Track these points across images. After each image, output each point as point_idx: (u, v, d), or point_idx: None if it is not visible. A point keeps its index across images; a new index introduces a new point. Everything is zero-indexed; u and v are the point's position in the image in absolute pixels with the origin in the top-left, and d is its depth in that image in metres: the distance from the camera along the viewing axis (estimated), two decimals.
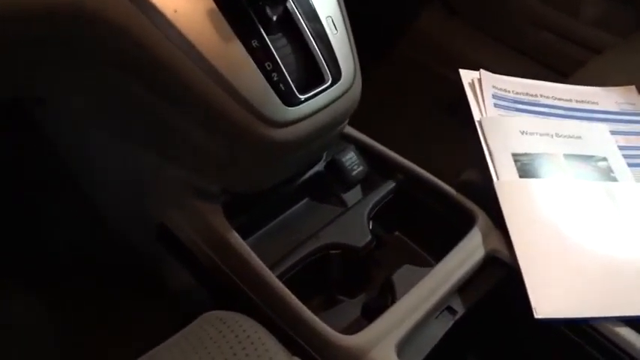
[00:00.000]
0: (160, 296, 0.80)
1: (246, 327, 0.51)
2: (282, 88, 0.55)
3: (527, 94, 0.79)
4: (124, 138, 0.66)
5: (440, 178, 0.71)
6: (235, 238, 0.62)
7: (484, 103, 0.74)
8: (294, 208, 0.71)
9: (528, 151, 0.70)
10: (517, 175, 0.68)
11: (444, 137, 1.13)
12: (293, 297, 0.57)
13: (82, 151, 0.78)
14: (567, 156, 0.71)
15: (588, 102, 0.80)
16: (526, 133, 0.72)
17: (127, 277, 0.86)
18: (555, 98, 0.80)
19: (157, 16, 0.50)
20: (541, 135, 0.73)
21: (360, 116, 0.72)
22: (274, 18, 0.55)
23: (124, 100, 0.59)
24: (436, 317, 0.61)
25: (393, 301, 0.59)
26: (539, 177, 0.69)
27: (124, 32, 0.50)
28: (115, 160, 0.71)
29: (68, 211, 0.93)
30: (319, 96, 0.58)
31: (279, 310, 0.58)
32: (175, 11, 0.50)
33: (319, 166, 0.71)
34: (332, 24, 0.59)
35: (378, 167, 0.73)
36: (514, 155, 0.70)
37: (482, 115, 0.73)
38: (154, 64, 0.52)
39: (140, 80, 0.54)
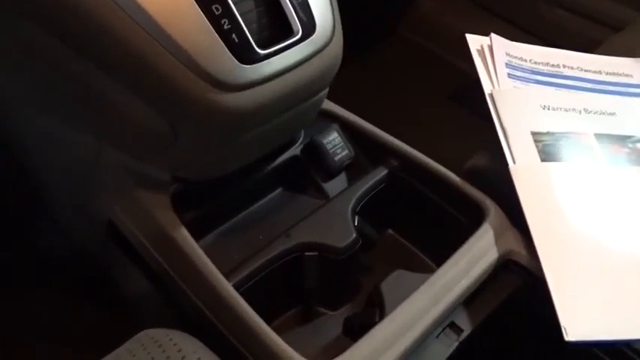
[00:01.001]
0: (117, 303, 0.71)
1: (185, 349, 0.42)
2: (236, 40, 0.43)
3: (547, 63, 0.67)
4: (53, 115, 0.55)
5: (443, 166, 0.59)
6: (184, 236, 0.50)
7: (496, 73, 0.62)
8: (262, 201, 0.60)
9: (552, 130, 0.58)
10: (538, 159, 0.56)
11: (449, 125, 1.04)
12: (250, 311, 0.45)
13: (22, 139, 0.68)
14: (599, 136, 0.60)
15: (621, 74, 0.68)
16: (549, 108, 0.60)
17: (82, 281, 0.78)
18: (581, 69, 0.67)
19: None
20: (566, 110, 0.61)
21: (348, 96, 0.63)
22: None
23: (48, 69, 0.48)
24: (436, 337, 0.50)
25: (382, 316, 0.48)
26: (566, 161, 0.57)
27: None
28: (56, 148, 0.61)
29: (17, 208, 0.84)
30: (286, 52, 0.46)
31: (234, 327, 0.46)
32: None
33: (295, 149, 0.60)
34: None
35: (366, 151, 0.62)
36: (534, 134, 0.58)
37: (494, 87, 0.61)
38: (70, 9, 0.40)
39: (63, 38, 0.43)
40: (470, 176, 0.58)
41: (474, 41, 0.65)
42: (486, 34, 1.21)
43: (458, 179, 0.57)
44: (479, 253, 0.52)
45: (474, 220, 0.55)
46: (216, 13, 0.42)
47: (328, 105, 0.62)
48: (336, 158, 0.59)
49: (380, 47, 1.22)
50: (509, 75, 0.62)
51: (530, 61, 0.66)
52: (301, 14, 0.47)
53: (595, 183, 0.57)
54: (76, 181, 0.62)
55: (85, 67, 0.45)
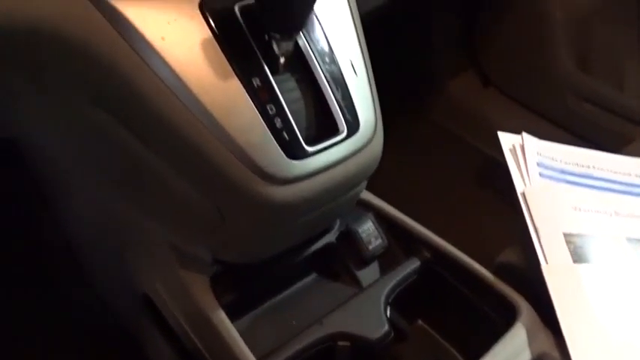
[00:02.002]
0: None
1: None
2: (286, 138, 0.46)
3: (577, 164, 0.69)
4: (103, 185, 0.58)
5: (473, 256, 0.60)
6: (221, 319, 0.51)
7: (528, 172, 0.64)
8: (297, 286, 0.60)
9: (583, 232, 0.59)
10: (570, 260, 0.57)
11: (477, 210, 1.04)
12: None
13: (67, 202, 0.71)
14: (631, 240, 0.60)
15: None
16: (580, 210, 0.61)
17: (112, 345, 0.78)
18: (611, 171, 0.69)
19: (141, 43, 0.42)
20: (598, 212, 0.62)
21: (382, 182, 0.64)
22: (282, 58, 0.46)
23: (100, 141, 0.51)
24: None
25: None
26: (598, 263, 0.57)
27: (102, 59, 0.42)
28: (99, 215, 0.63)
29: (56, 269, 0.86)
30: (331, 149, 0.48)
31: None
32: (163, 39, 0.43)
33: (330, 236, 0.61)
34: (351, 66, 0.51)
35: (400, 241, 0.63)
36: (566, 235, 0.58)
37: (525, 185, 0.63)
38: (133, 98, 0.44)
39: (118, 117, 0.46)
40: (501, 271, 0.59)
41: (506, 139, 0.68)
42: (515, 124, 1.24)
43: (490, 275, 0.58)
44: (512, 353, 0.51)
45: (505, 317, 0.55)
46: (270, 112, 0.45)
47: (364, 194, 0.64)
48: (370, 247, 0.61)
49: (411, 132, 1.25)
50: (541, 174, 0.64)
51: (560, 160, 0.68)
52: (346, 114, 0.50)
53: (628, 286, 0.56)
54: (115, 250, 0.64)
55: (140, 148, 0.48)
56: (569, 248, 0.57)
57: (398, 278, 0.59)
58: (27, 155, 0.69)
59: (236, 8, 0.45)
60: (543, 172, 0.65)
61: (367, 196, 0.64)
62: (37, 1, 0.41)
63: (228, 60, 0.44)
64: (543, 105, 1.23)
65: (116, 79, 0.43)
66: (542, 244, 0.58)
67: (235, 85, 0.44)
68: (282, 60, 0.46)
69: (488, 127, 1.23)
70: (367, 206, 0.64)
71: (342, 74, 0.50)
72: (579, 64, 1.16)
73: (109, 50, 0.42)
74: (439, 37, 1.31)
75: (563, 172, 0.67)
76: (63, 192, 0.70)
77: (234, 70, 0.44)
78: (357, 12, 0.55)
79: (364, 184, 0.58)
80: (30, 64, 0.46)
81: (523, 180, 0.63)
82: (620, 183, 0.68)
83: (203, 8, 0.44)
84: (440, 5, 1.24)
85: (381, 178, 0.64)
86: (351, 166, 0.50)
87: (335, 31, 0.51)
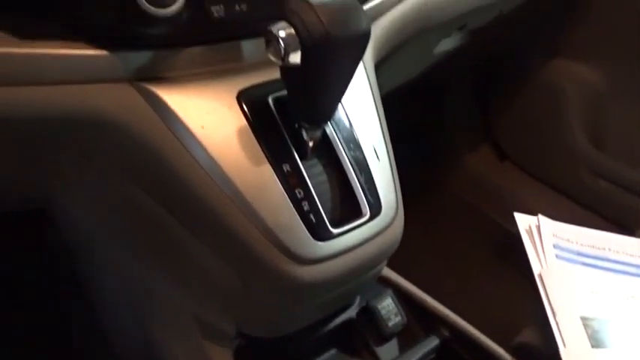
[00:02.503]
0: None
1: None
2: (313, 220, 0.48)
3: (593, 246, 0.70)
4: (131, 256, 0.60)
5: (492, 334, 0.60)
6: None
7: (544, 254, 0.66)
8: None
9: (600, 316, 0.60)
10: (589, 344, 0.57)
11: (496, 286, 1.04)
12: None
13: (91, 266, 0.73)
14: None
15: None
16: (597, 293, 0.62)
17: None
18: (627, 254, 0.70)
19: (182, 130, 0.46)
20: (614, 296, 0.62)
21: (400, 254, 0.65)
22: (311, 143, 0.50)
23: (135, 213, 0.54)
24: None
25: None
26: (616, 348, 0.57)
27: (144, 143, 0.46)
28: (124, 281, 0.65)
29: (80, 337, 0.86)
30: (355, 231, 0.51)
31: None
32: (203, 127, 0.46)
33: (350, 312, 0.62)
34: (374, 152, 0.54)
35: (419, 319, 0.64)
36: (583, 319, 0.59)
37: (542, 267, 0.64)
38: (172, 179, 0.47)
39: (156, 194, 0.50)
40: (519, 353, 0.59)
41: (523, 220, 0.70)
42: (531, 198, 1.26)
43: (508, 357, 0.58)
44: None
45: None
46: (299, 196, 0.48)
47: (384, 271, 0.66)
48: (390, 324, 0.62)
49: (429, 205, 1.27)
50: (557, 256, 0.66)
51: (576, 242, 0.70)
52: (369, 197, 0.52)
53: None
54: (139, 319, 0.65)
55: (173, 223, 0.51)
56: (586, 332, 0.58)
57: (417, 356, 0.59)
58: (55, 224, 0.72)
59: (270, 99, 0.49)
60: (559, 253, 0.66)
61: (387, 272, 0.66)
62: (88, 92, 0.45)
63: (261, 147, 0.48)
64: (558, 180, 1.24)
65: (156, 160, 0.47)
66: (560, 327, 0.58)
67: (267, 171, 0.47)
68: (310, 145, 0.50)
69: (505, 200, 1.26)
70: (387, 282, 0.66)
71: (365, 159, 0.53)
72: (593, 139, 1.18)
73: (152, 135, 0.46)
74: (455, 111, 1.36)
75: (579, 254, 0.68)
76: (90, 261, 0.73)
77: (266, 156, 0.48)
78: (379, 96, 0.59)
79: (384, 263, 0.60)
80: (77, 146, 0.50)
81: (540, 261, 0.65)
82: (636, 266, 0.69)
83: (240, 99, 0.48)
84: (454, 80, 1.29)
85: (399, 250, 0.66)
86: (373, 247, 0.52)
87: (359, 117, 0.55)
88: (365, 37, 0.44)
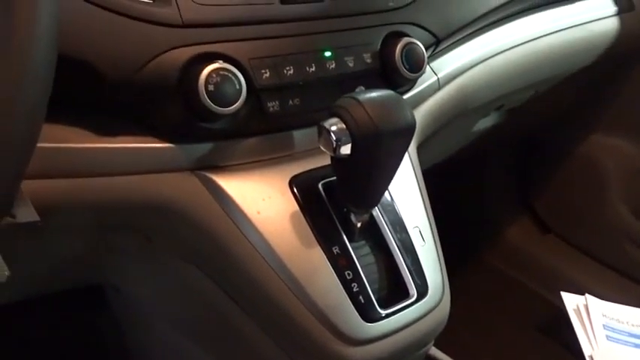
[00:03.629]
0: None
1: None
2: (362, 301, 0.50)
3: None
4: (182, 333, 0.63)
5: None
6: None
7: (594, 335, 0.65)
8: None
9: None
10: None
11: None
12: None
13: (141, 341, 0.75)
14: None
15: None
16: None
17: None
18: None
19: (240, 216, 0.50)
20: None
21: (445, 332, 0.65)
22: (359, 225, 0.52)
23: (189, 292, 0.56)
24: None
25: None
26: None
27: (205, 229, 0.50)
28: (171, 354, 0.67)
29: None
30: (403, 312, 0.52)
31: None
32: (258, 213, 0.50)
33: None
34: (419, 234, 0.56)
35: None
36: None
37: (593, 349, 0.63)
38: (229, 262, 0.50)
39: (213, 276, 0.53)
40: None
41: (570, 300, 0.69)
42: (575, 271, 1.23)
43: None
44: None
45: None
46: (348, 277, 0.50)
47: (431, 350, 0.66)
48: None
49: (472, 280, 1.26)
50: (608, 337, 0.65)
51: (627, 322, 0.68)
52: (416, 278, 0.54)
53: None
54: None
55: (225, 302, 0.53)
56: None
57: None
58: (108, 300, 0.76)
59: (319, 185, 0.53)
60: (610, 335, 0.65)
61: (434, 352, 0.66)
62: (153, 181, 0.49)
63: (313, 230, 0.50)
64: (602, 252, 1.22)
65: (215, 244, 0.50)
66: None
67: (318, 254, 0.50)
68: (358, 228, 0.53)
69: (548, 273, 1.24)
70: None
71: (411, 241, 0.55)
72: (635, 211, 1.17)
73: (212, 221, 0.50)
74: (494, 184, 1.37)
75: (630, 335, 0.67)
76: (140, 336, 0.75)
77: (317, 239, 0.50)
78: (422, 178, 0.62)
79: (432, 343, 0.60)
80: (140, 231, 0.54)
81: (590, 343, 0.64)
82: None
83: (292, 185, 0.52)
84: (493, 153, 1.30)
85: (444, 328, 0.66)
86: (420, 327, 0.53)
87: (403, 199, 0.57)
88: (410, 129, 0.47)
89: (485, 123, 0.97)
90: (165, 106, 0.47)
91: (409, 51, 0.57)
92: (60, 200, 0.46)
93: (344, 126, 0.45)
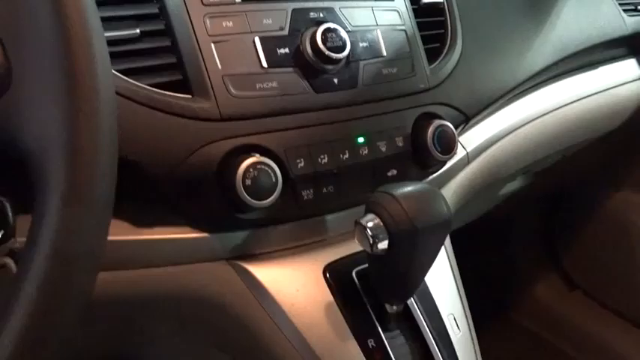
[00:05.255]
0: None
1: None
2: None
3: None
4: None
5: None
6: None
7: None
8: None
9: None
10: None
11: None
12: None
13: None
14: None
15: None
16: None
17: None
18: None
19: (274, 308, 0.50)
20: None
21: None
22: (393, 314, 0.52)
23: None
24: None
25: None
26: None
27: (239, 320, 0.50)
28: None
29: None
30: None
31: None
32: (293, 305, 0.50)
33: None
34: (454, 322, 0.56)
35: None
36: None
37: None
38: (263, 353, 0.50)
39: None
40: None
41: None
42: (606, 332, 1.20)
43: None
44: None
45: None
46: None
47: None
48: None
49: (502, 341, 1.24)
50: None
51: None
52: None
53: None
54: None
55: None
56: None
57: None
58: None
59: (353, 273, 0.53)
60: None
61: None
62: (189, 271, 0.50)
63: (347, 323, 0.51)
64: (632, 312, 1.20)
65: (248, 334, 0.51)
66: None
67: (353, 348, 0.50)
68: (392, 317, 0.53)
69: (578, 333, 1.21)
70: None
71: (446, 330, 0.55)
72: None
73: (246, 311, 0.50)
74: (521, 242, 1.36)
75: None
76: None
77: (352, 331, 0.50)
78: (456, 263, 0.62)
79: None
80: (173, 318, 0.54)
81: None
82: None
83: (326, 274, 0.52)
84: (520, 212, 1.30)
85: None
86: None
87: (438, 287, 0.57)
88: (447, 223, 0.47)
89: (511, 186, 0.97)
90: (203, 198, 0.48)
91: (440, 133, 0.58)
92: (98, 293, 0.46)
93: (380, 222, 0.46)
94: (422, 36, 0.62)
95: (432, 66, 0.63)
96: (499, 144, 0.74)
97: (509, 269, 1.35)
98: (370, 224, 0.46)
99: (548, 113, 0.82)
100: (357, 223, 0.46)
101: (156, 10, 0.49)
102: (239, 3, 0.51)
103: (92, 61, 0.28)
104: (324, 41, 0.52)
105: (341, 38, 0.53)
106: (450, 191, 0.67)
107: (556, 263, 1.34)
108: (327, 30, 0.52)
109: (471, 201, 0.81)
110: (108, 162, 0.30)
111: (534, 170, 0.97)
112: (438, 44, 0.65)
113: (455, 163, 0.67)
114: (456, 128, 0.63)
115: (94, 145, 0.28)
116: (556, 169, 1.00)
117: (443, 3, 0.67)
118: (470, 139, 0.70)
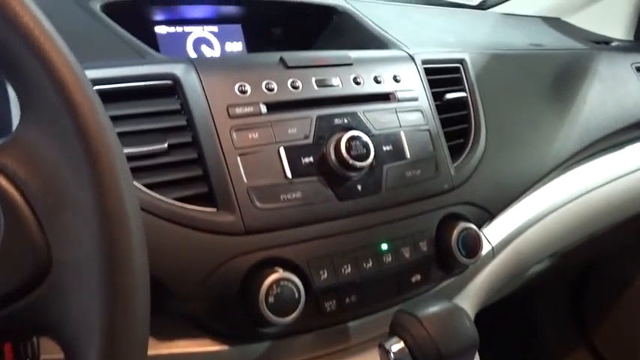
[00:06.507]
0: None
1: None
2: None
3: None
4: None
5: None
6: None
7: None
8: None
9: None
10: None
11: None
12: None
13: None
14: None
15: None
16: None
17: None
18: None
19: None
20: None
21: None
22: None
23: None
24: None
25: None
26: None
27: None
28: None
29: None
30: None
31: None
32: None
33: None
34: None
35: None
36: None
37: None
38: None
39: None
40: None
41: None
42: None
43: None
44: None
45: None
46: None
47: None
48: None
49: None
50: None
51: None
52: None
53: None
54: None
55: None
56: None
57: None
58: None
59: None
60: None
61: None
62: None
63: None
64: None
65: None
66: None
67: None
68: None
69: None
70: None
71: None
72: None
73: None
74: (549, 317, 1.33)
75: None
76: None
77: None
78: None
79: None
80: None
81: None
82: None
83: None
84: (546, 287, 1.28)
85: None
86: None
87: None
88: (473, 346, 0.47)
89: (537, 267, 0.96)
90: (225, 313, 0.48)
91: (465, 237, 0.58)
92: None
93: (405, 348, 0.45)
94: (445, 132, 0.63)
95: (456, 163, 0.63)
96: (525, 235, 0.74)
97: (538, 345, 1.32)
98: (394, 349, 0.45)
99: (575, 199, 0.81)
100: (381, 347, 0.46)
101: (184, 123, 0.50)
102: (265, 114, 0.53)
103: (131, 251, 0.29)
104: (348, 150, 0.52)
105: (365, 145, 0.53)
106: (476, 286, 0.67)
107: (584, 337, 1.30)
108: (351, 138, 0.53)
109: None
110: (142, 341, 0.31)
111: (561, 252, 0.95)
112: (461, 140, 0.66)
113: (480, 259, 0.67)
114: (480, 226, 0.63)
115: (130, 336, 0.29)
116: (584, 247, 0.99)
117: (466, 97, 0.68)
118: (495, 233, 0.69)
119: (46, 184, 0.28)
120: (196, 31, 0.74)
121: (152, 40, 0.69)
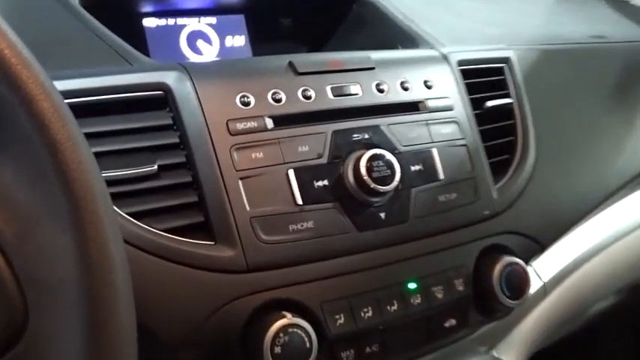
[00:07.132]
0: None
1: None
2: None
3: None
4: None
5: None
6: None
7: None
8: None
9: None
10: None
11: None
12: None
13: None
14: None
15: None
16: None
17: None
18: None
19: None
20: None
21: None
22: None
23: None
24: None
25: None
26: None
27: None
28: None
29: None
30: None
31: None
32: None
33: None
34: None
35: None
36: None
37: None
38: None
39: None
40: None
41: None
42: None
43: None
44: None
45: None
46: None
47: None
48: None
49: None
50: None
51: None
52: None
53: None
54: None
55: None
56: None
57: None
58: None
59: None
60: None
61: None
62: None
63: None
64: None
65: None
66: None
67: None
68: None
69: None
70: None
71: None
72: None
73: None
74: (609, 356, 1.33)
75: None
76: None
77: None
78: None
79: None
80: None
81: None
82: None
83: None
84: (609, 330, 1.28)
85: None
86: None
87: None
88: None
89: (600, 305, 0.96)
90: None
91: (510, 274, 0.59)
92: None
93: None
94: (486, 147, 0.64)
95: (499, 185, 0.64)
96: (584, 267, 0.74)
97: None
98: None
99: None
100: None
101: (176, 140, 0.52)
102: (271, 129, 0.54)
103: (117, 312, 0.30)
104: (368, 171, 0.53)
105: (389, 165, 0.54)
106: (523, 331, 0.68)
107: None
108: (373, 157, 0.54)
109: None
110: None
111: (630, 287, 0.95)
112: (506, 156, 0.67)
113: (529, 298, 0.67)
114: (528, 260, 0.64)
115: None
116: None
117: (512, 103, 0.69)
118: (546, 267, 0.70)
119: (23, 232, 0.30)
120: (192, 24, 0.76)
121: (140, 35, 0.71)
